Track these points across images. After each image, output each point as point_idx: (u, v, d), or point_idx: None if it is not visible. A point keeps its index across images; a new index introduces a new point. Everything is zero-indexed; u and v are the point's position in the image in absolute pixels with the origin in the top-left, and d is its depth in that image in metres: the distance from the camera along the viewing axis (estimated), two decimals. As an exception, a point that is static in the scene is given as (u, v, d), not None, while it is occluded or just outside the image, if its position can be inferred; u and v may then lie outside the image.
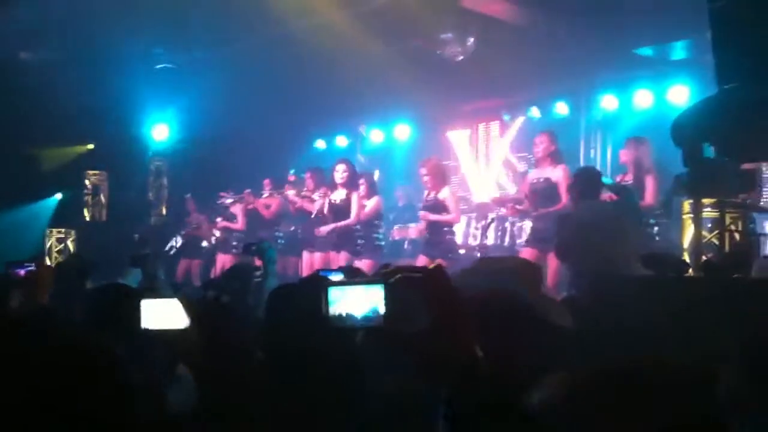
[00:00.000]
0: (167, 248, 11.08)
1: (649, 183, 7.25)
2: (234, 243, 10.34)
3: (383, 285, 1.34)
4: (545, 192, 7.40)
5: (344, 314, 1.37)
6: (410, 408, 1.96)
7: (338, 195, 8.51)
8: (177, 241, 11.17)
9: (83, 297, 3.50)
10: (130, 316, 2.31)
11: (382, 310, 1.33)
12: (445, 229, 8.01)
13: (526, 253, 7.18)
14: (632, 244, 6.34)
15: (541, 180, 7.49)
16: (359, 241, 8.30)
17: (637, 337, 3.74)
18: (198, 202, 11.42)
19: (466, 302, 1.39)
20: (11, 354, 1.36)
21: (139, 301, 2.31)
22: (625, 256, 6.07)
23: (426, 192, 8.12)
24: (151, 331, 2.30)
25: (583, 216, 6.10)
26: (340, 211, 8.42)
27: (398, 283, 1.33)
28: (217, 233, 10.78)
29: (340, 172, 8.49)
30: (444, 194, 7.91)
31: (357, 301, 1.36)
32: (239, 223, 10.44)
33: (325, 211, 8.54)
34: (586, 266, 5.66)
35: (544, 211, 7.28)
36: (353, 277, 2.92)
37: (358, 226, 8.34)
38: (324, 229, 8.47)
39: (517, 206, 7.99)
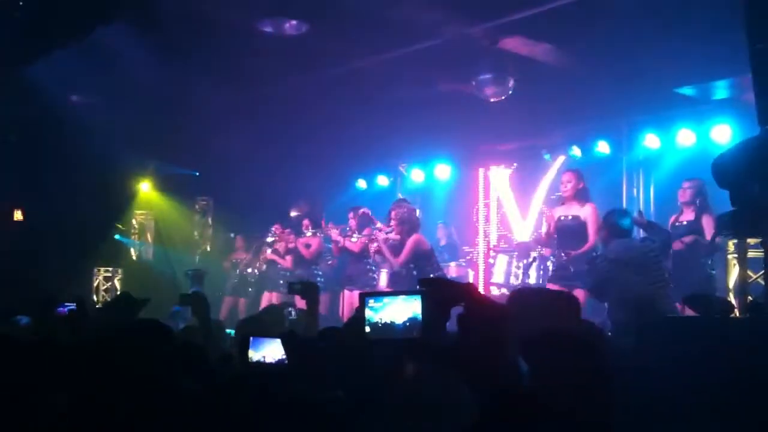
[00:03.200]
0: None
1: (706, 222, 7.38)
2: (281, 281, 10.54)
3: (420, 296, 1.38)
4: (573, 229, 7.43)
5: (384, 323, 1.41)
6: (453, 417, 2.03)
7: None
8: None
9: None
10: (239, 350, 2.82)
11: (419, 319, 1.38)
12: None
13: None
14: (666, 279, 6.35)
15: (569, 217, 7.51)
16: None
17: (683, 378, 3.70)
18: (246, 241, 11.61)
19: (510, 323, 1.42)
20: None
21: (248, 337, 2.80)
22: (661, 292, 6.07)
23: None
24: (257, 363, 2.76)
25: (614, 253, 6.13)
26: (395, 249, 8.39)
27: (434, 293, 1.37)
28: (264, 267, 10.96)
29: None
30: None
31: (397, 312, 1.40)
32: (287, 261, 10.63)
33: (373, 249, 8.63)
34: (623, 303, 5.66)
35: (574, 253, 7.29)
36: None
37: (411, 264, 8.24)
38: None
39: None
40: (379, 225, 8.54)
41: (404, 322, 1.41)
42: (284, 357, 2.68)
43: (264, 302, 10.74)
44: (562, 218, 7.59)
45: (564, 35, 8.04)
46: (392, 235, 8.16)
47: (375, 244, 8.40)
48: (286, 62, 9.02)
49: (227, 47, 8.59)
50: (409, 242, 7.94)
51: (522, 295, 3.36)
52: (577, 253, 7.27)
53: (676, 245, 7.31)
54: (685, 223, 7.50)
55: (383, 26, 7.94)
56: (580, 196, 7.55)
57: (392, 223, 8.11)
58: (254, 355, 2.82)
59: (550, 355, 1.90)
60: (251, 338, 2.84)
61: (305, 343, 2.46)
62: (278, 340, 2.72)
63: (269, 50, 8.64)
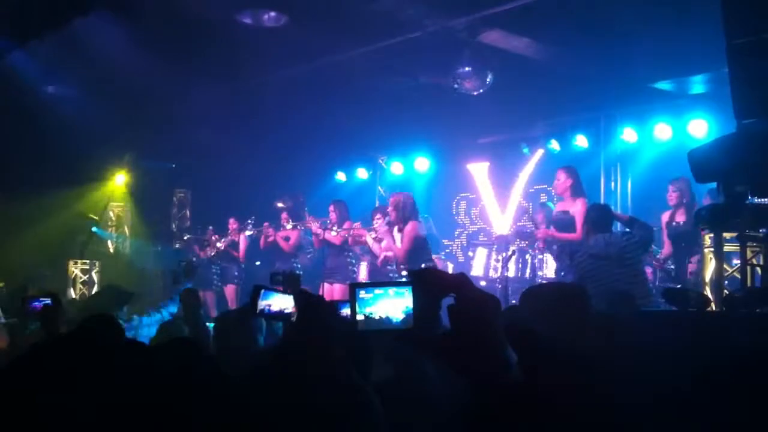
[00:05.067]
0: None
1: None
2: (236, 273, 10.80)
3: (411, 287, 1.38)
4: (563, 223, 7.66)
5: (379, 317, 1.40)
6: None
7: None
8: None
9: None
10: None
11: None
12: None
13: None
14: (645, 273, 6.44)
15: (561, 213, 7.80)
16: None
17: (657, 372, 3.74)
18: (219, 233, 11.57)
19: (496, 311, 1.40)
20: None
21: (259, 290, 3.11)
22: (640, 286, 6.14)
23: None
24: (266, 313, 3.11)
25: (595, 248, 6.21)
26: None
27: (425, 284, 1.36)
28: (211, 253, 10.97)
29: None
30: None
31: (391, 306, 1.40)
32: (240, 253, 10.85)
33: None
34: (604, 297, 5.72)
35: (558, 235, 7.62)
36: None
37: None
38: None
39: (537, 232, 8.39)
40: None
41: (401, 318, 1.40)
42: (286, 309, 3.04)
43: (228, 295, 10.79)
44: (555, 214, 8.01)
45: (543, 29, 8.07)
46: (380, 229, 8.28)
47: (373, 235, 8.56)
48: (266, 55, 8.96)
49: (206, 39, 8.51)
50: (408, 229, 7.99)
51: (533, 292, 3.39)
52: (561, 236, 7.57)
53: None
54: (681, 223, 7.82)
55: (363, 18, 7.91)
56: (572, 191, 7.71)
57: (389, 209, 8.18)
58: (261, 304, 3.14)
59: (536, 344, 1.92)
60: (262, 290, 3.16)
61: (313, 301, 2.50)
62: (282, 295, 3.12)
63: (248, 42, 8.58)
